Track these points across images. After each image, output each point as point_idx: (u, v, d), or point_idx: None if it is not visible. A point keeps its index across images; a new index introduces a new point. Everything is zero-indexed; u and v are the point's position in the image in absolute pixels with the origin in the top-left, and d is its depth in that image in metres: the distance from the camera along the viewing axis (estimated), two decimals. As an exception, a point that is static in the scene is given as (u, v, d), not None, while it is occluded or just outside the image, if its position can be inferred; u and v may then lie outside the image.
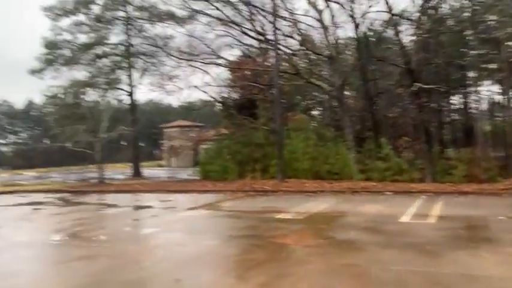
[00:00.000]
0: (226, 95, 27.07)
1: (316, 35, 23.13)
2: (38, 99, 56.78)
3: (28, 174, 39.52)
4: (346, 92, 23.27)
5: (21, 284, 6.41)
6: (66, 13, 29.68)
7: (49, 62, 29.51)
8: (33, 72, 29.49)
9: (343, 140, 20.55)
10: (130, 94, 32.95)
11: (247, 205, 14.48)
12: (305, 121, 23.83)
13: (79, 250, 8.59)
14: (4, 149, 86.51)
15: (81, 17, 30.44)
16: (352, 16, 20.81)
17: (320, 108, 29.16)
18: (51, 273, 7.24)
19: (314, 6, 21.28)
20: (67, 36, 30.32)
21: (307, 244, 8.24)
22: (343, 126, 21.17)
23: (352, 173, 19.55)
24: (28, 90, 67.87)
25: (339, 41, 22.68)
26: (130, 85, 32.68)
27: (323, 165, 20.42)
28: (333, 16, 21.15)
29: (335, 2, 20.92)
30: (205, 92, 25.35)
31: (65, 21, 30.10)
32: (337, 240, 8.63)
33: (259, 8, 22.36)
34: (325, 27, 21.31)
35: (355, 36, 21.93)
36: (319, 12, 21.22)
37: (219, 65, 24.91)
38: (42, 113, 69.01)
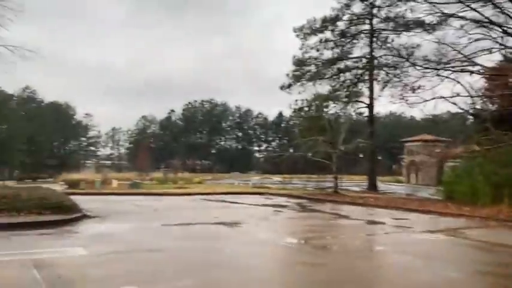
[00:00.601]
0: (480, 107, 23.53)
1: None
2: (287, 112, 63.27)
3: (274, 179, 44.26)
4: None
5: (251, 278, 6.72)
6: (314, 31, 31.95)
7: (297, 78, 32.33)
8: (283, 87, 32.85)
9: None
10: (370, 107, 32.73)
11: (501, 237, 11.91)
12: None
13: (308, 256, 8.64)
14: (257, 155, 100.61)
15: (327, 34, 32.29)
16: None
17: None
18: (279, 273, 7.43)
19: None
20: (313, 53, 32.59)
21: None
22: None
23: None
24: (279, 104, 77.24)
25: None
26: (371, 98, 32.48)
27: None
28: None
29: None
30: (454, 103, 22.64)
31: (313, 40, 32.47)
32: None
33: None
34: None
35: None
36: None
37: (473, 72, 21.87)
38: (289, 124, 76.90)
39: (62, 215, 12.16)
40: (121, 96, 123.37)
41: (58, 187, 24.25)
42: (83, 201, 15.11)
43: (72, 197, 15.10)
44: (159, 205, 18.44)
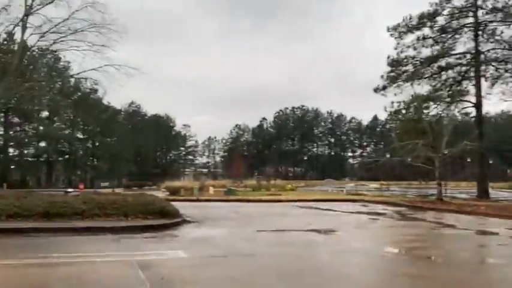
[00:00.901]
0: None
1: None
2: (382, 115, 60.71)
3: (370, 186, 42.53)
4: None
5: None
6: (410, 29, 30.22)
7: (392, 79, 30.77)
8: (377, 90, 31.47)
9: None
10: (478, 106, 29.99)
11: None
12: None
13: (409, 267, 8.06)
14: (351, 161, 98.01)
15: (425, 31, 30.37)
16: None
17: None
18: (377, 285, 6.97)
19: None
20: (410, 52, 30.83)
21: None
22: None
23: None
24: (374, 107, 74.59)
25: None
26: (478, 96, 29.77)
27: None
28: None
29: None
30: None
31: (409, 38, 30.74)
32: None
33: None
34: None
35: None
36: None
37: None
38: (385, 128, 73.78)
39: (164, 219, 12.91)
40: (216, 106, 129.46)
41: (161, 194, 25.95)
42: (183, 207, 15.90)
43: (173, 203, 15.94)
44: (253, 211, 18.73)
